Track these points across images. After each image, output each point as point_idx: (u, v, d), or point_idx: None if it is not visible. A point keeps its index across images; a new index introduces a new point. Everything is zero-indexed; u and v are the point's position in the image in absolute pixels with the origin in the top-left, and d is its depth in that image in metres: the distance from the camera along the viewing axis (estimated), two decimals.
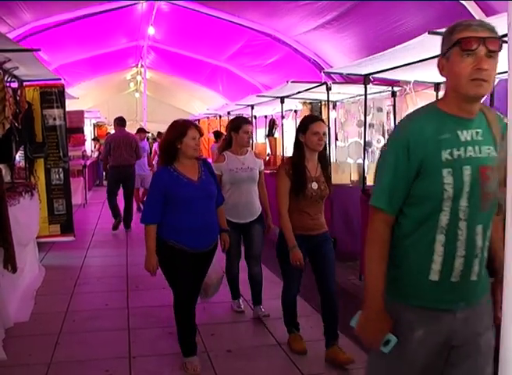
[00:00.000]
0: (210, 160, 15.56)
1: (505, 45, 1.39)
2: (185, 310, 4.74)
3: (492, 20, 4.71)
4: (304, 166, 4.81)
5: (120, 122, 11.84)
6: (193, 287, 4.77)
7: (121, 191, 11.91)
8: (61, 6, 11.42)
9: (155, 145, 18.11)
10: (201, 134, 4.72)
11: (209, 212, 4.72)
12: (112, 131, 16.15)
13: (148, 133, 15.22)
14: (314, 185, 4.81)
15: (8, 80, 7.63)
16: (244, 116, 18.07)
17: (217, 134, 15.27)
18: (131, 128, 26.94)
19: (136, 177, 12.54)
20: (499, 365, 1.32)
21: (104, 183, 19.25)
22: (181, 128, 4.55)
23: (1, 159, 7.57)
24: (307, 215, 4.87)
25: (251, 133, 6.22)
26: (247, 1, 11.31)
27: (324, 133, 4.82)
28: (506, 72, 1.35)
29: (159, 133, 19.56)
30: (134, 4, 13.06)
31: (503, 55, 1.29)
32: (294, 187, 4.79)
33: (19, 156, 8.64)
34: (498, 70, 5.05)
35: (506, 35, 1.28)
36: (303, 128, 4.82)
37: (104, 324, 5.83)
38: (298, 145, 4.88)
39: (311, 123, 4.82)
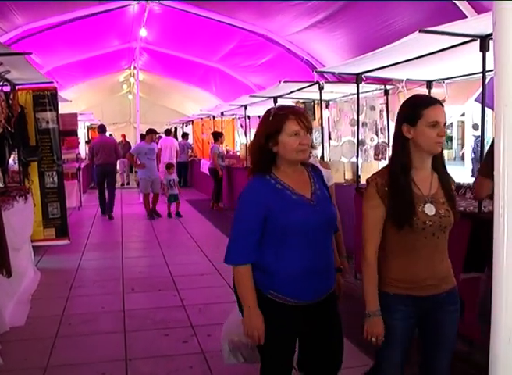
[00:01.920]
0: (208, 163, 15.78)
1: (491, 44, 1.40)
2: None
3: (477, 19, 4.75)
4: (410, 179, 2.94)
5: (100, 129, 14.73)
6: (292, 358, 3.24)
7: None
8: (52, 9, 11.41)
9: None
10: (309, 127, 2.99)
11: (329, 246, 3.14)
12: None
13: (158, 133, 14.76)
14: (429, 209, 2.92)
15: (1, 83, 7.62)
16: (238, 116, 18.19)
17: (216, 135, 15.26)
18: (124, 130, 27.16)
19: (143, 181, 13.19)
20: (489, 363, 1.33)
21: None
22: (274, 122, 2.98)
23: None
24: (417, 259, 2.94)
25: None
26: (239, 0, 11.29)
27: (445, 124, 2.93)
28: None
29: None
30: (126, 6, 13.04)
31: (491, 54, 1.30)
32: (394, 213, 2.92)
33: (12, 160, 8.63)
34: (488, 68, 5.08)
35: (491, 34, 1.29)
36: (411, 117, 2.90)
37: (100, 327, 5.83)
38: (402, 145, 2.95)
39: (425, 107, 2.87)
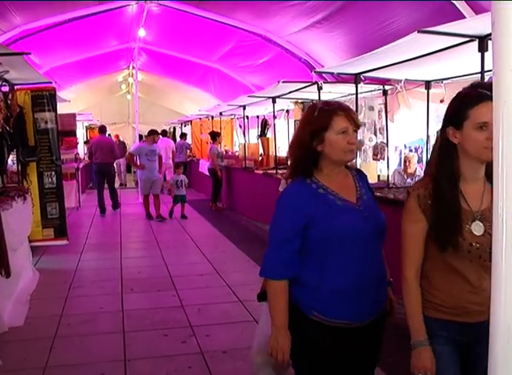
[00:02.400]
0: (207, 163, 15.77)
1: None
2: None
3: (476, 19, 4.76)
4: (457, 191, 2.48)
5: (100, 130, 15.63)
6: None
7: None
8: (51, 9, 11.40)
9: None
10: (357, 125, 2.68)
11: (380, 257, 2.74)
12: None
13: (159, 134, 14.49)
14: (477, 228, 2.46)
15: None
16: (237, 116, 18.18)
17: (213, 135, 15.26)
18: (123, 130, 27.18)
19: (143, 182, 13.23)
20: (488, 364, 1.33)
21: None
22: (320, 117, 2.63)
23: None
24: (462, 282, 2.51)
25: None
26: (237, 0, 11.29)
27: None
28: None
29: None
30: (124, 6, 13.04)
31: (489, 54, 1.30)
32: (436, 231, 2.50)
33: (11, 160, 8.62)
34: (486, 68, 5.08)
35: (490, 34, 1.29)
36: (457, 117, 2.42)
37: (99, 327, 5.83)
38: (448, 151, 2.49)
39: (472, 105, 2.36)
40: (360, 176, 2.92)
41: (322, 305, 2.58)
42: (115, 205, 15.08)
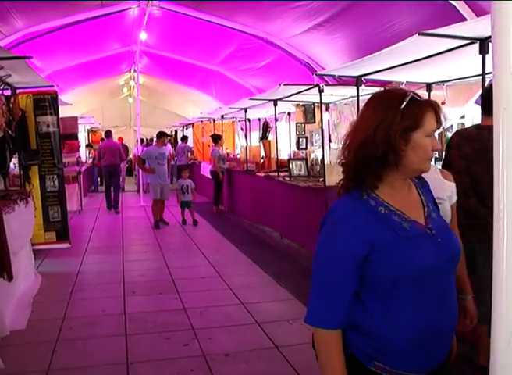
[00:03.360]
0: (209, 166, 15.79)
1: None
2: None
3: (477, 22, 4.76)
4: None
5: (106, 134, 17.18)
6: None
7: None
8: (53, 12, 11.42)
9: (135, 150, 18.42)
10: (438, 123, 2.06)
11: (454, 294, 2.16)
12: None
13: (169, 136, 14.20)
14: None
15: (1, 87, 7.64)
16: (238, 119, 18.20)
17: (215, 138, 15.27)
18: (124, 134, 27.23)
19: (154, 187, 12.73)
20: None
21: (100, 189, 20.99)
22: (411, 111, 1.98)
23: None
24: None
25: None
26: (238, 0, 11.27)
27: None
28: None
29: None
30: (126, 9, 13.06)
31: (490, 56, 1.31)
32: None
33: (13, 164, 8.64)
34: (487, 71, 5.08)
35: (491, 36, 1.29)
36: None
37: (102, 330, 5.83)
38: None
39: None
40: (423, 185, 2.29)
41: (387, 356, 2.04)
42: (115, 205, 15.93)
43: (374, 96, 2.14)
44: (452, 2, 7.42)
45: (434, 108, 2.03)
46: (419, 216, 2.10)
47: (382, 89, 2.26)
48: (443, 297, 2.06)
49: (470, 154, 4.22)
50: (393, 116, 1.98)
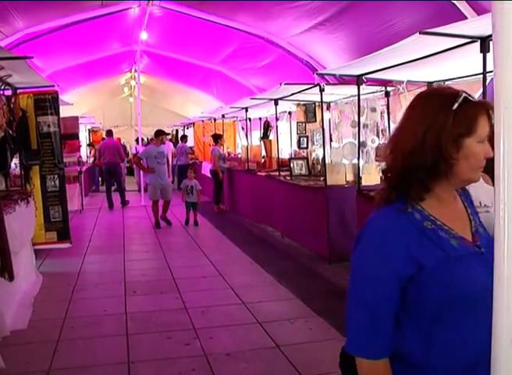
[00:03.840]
0: (210, 165, 15.78)
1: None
2: None
3: (477, 20, 4.76)
4: None
5: (108, 133, 18.22)
6: None
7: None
8: (53, 12, 11.42)
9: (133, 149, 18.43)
10: (491, 127, 1.71)
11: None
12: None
13: (168, 134, 13.70)
14: None
15: (2, 87, 7.64)
16: (239, 118, 18.19)
17: (215, 137, 15.29)
18: (125, 133, 27.24)
19: (152, 187, 12.40)
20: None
21: (101, 188, 21.05)
22: (465, 115, 1.76)
23: None
24: None
25: None
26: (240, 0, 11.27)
27: None
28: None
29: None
30: (127, 9, 13.06)
31: (491, 55, 1.30)
32: None
33: (14, 164, 8.64)
34: (488, 69, 5.08)
35: (492, 35, 1.29)
36: None
37: (103, 330, 5.83)
38: None
39: None
40: (466, 195, 2.06)
41: None
42: (123, 202, 16.58)
43: (421, 95, 1.92)
44: (453, 1, 7.41)
45: (487, 109, 1.78)
46: (466, 232, 1.88)
47: (430, 88, 1.93)
48: (490, 320, 1.58)
49: None
50: (444, 118, 1.75)
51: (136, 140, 19.33)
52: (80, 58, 16.16)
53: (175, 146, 23.11)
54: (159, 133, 12.64)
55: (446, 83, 7.87)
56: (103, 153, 16.63)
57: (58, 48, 13.86)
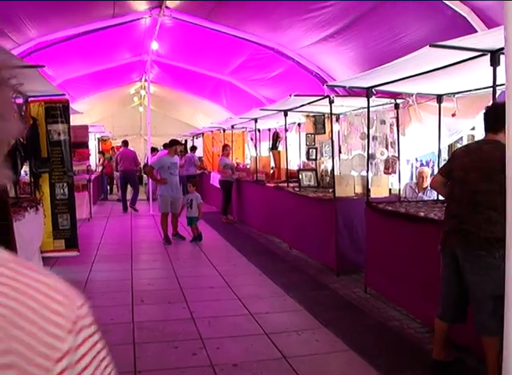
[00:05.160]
0: (217, 175, 15.82)
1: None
2: None
3: (488, 33, 4.77)
4: None
5: (124, 143, 19.54)
6: None
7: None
8: (65, 22, 11.51)
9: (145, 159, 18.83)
10: None
11: None
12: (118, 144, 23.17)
13: (182, 145, 13.24)
14: None
15: (13, 96, 7.68)
16: (248, 129, 18.22)
17: (222, 147, 15.41)
18: (134, 143, 27.35)
19: (163, 199, 11.80)
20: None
21: (109, 197, 21.88)
22: None
23: None
24: None
25: None
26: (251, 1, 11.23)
27: None
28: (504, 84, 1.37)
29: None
30: (138, 19, 13.14)
31: (501, 68, 1.30)
32: None
33: (24, 171, 8.70)
34: (498, 82, 5.09)
35: (502, 48, 1.30)
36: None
37: (110, 339, 5.82)
38: None
39: None
40: None
41: None
42: (133, 201, 17.71)
43: None
44: (463, 14, 7.42)
45: None
46: None
47: None
48: None
49: (468, 164, 4.53)
50: None
51: (153, 149, 19.22)
52: (90, 67, 16.26)
53: (183, 156, 23.12)
54: (173, 143, 12.11)
55: (456, 96, 7.87)
56: (120, 161, 18.28)
57: (70, 57, 13.95)
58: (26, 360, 0.82)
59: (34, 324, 0.86)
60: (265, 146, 17.00)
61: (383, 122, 9.31)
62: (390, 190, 9.32)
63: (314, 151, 11.92)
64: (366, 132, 8.32)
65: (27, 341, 0.83)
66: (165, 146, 12.24)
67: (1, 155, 0.95)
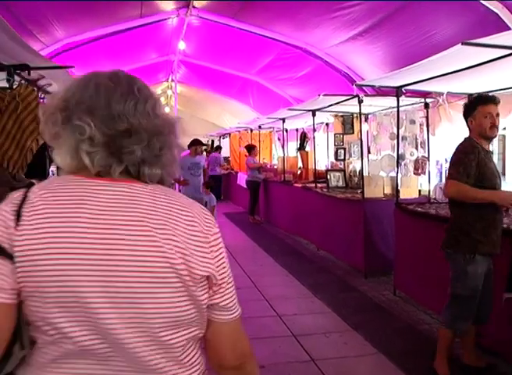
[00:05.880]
0: (244, 175, 15.82)
1: None
2: None
3: None
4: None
5: None
6: None
7: None
8: (93, 23, 11.57)
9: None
10: None
11: None
12: None
13: (204, 145, 12.97)
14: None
15: (42, 96, 7.72)
16: (276, 129, 18.18)
17: (249, 148, 15.38)
18: None
19: None
20: None
21: None
22: None
23: (36, 174, 7.65)
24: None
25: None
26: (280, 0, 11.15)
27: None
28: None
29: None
30: (165, 19, 13.16)
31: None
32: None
33: (51, 171, 8.74)
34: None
35: None
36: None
37: None
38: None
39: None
40: None
41: None
42: None
43: None
44: (495, 10, 7.29)
45: None
46: None
47: None
48: None
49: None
50: None
51: None
52: (118, 67, 16.05)
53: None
54: (194, 143, 11.70)
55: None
56: None
57: (97, 57, 14.01)
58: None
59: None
60: (293, 146, 16.93)
61: (413, 122, 9.21)
62: (420, 191, 9.21)
63: (342, 151, 11.84)
64: (395, 132, 8.22)
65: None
66: (188, 146, 11.86)
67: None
